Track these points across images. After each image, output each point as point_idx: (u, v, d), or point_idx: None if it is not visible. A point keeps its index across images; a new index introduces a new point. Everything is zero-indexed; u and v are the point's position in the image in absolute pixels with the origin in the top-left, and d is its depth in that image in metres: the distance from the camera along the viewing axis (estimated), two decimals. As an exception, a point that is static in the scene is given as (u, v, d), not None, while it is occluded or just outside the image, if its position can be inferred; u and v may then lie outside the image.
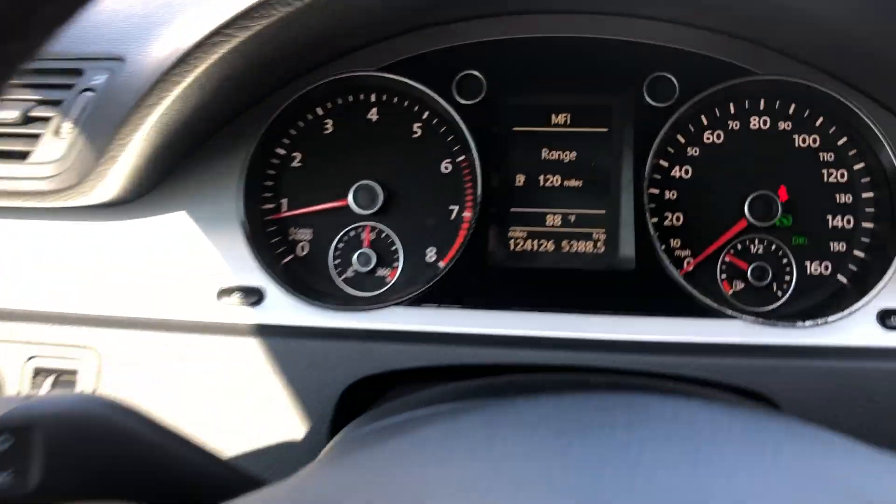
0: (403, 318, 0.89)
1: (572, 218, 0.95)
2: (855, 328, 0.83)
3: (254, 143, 0.95)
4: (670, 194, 0.95)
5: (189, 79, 0.78)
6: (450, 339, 0.85)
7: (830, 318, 0.84)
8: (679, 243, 0.95)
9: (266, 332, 0.87)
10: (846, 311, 0.84)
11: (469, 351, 0.84)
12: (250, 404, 0.85)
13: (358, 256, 0.96)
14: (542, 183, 0.96)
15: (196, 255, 0.92)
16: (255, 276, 0.91)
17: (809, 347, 0.82)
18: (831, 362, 0.80)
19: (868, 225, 0.92)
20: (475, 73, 0.95)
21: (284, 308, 0.90)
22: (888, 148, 0.89)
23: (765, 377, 0.79)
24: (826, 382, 0.79)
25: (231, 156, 0.96)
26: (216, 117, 0.91)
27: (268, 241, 0.97)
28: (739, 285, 0.94)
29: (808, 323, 0.84)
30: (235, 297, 0.89)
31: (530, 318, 0.88)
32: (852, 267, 0.91)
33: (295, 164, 0.99)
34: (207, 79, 0.79)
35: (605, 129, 0.96)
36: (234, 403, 0.85)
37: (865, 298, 0.84)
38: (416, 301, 0.90)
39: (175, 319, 0.89)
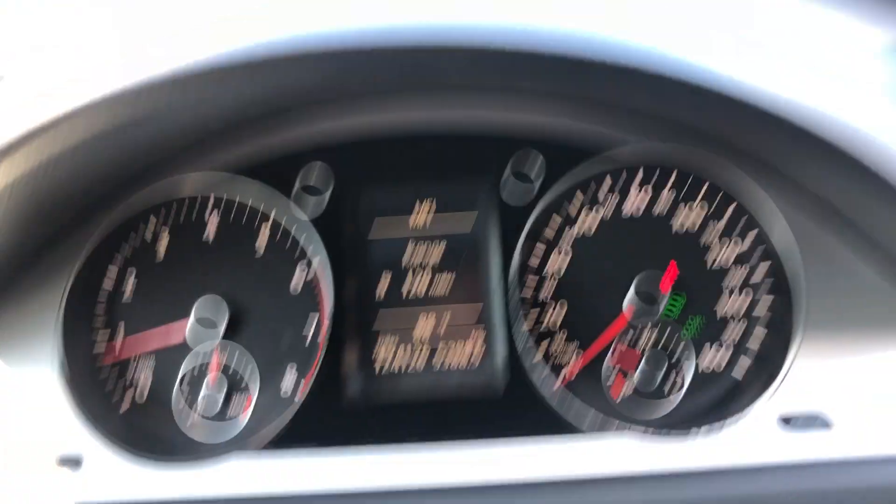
0: (249, 472, 0.77)
1: (442, 330, 0.85)
2: (752, 436, 0.73)
3: (75, 269, 0.83)
4: (548, 292, 0.86)
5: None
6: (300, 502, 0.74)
7: (724, 425, 0.74)
8: (559, 348, 0.85)
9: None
10: (740, 417, 0.74)
11: None
12: None
13: (205, 396, 0.85)
14: (406, 293, 0.85)
15: (9, 420, 0.80)
16: (75, 438, 0.79)
17: (704, 470, 0.72)
18: (726, 489, 0.70)
19: (766, 302, 0.83)
20: (322, 170, 0.85)
21: (107, 475, 0.77)
22: (777, 221, 0.80)
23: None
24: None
25: (47, 289, 0.84)
26: (22, 248, 0.79)
27: (97, 390, 0.85)
28: (628, 389, 0.84)
29: (700, 432, 0.74)
30: (51, 466, 0.77)
31: (394, 457, 0.77)
32: (748, 360, 0.82)
33: (126, 295, 0.87)
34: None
35: (471, 228, 0.86)
36: None
37: (763, 399, 0.74)
38: (268, 446, 0.79)
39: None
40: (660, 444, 0.75)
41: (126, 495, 0.76)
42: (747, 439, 0.74)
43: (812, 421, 0.73)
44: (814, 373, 0.76)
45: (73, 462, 0.77)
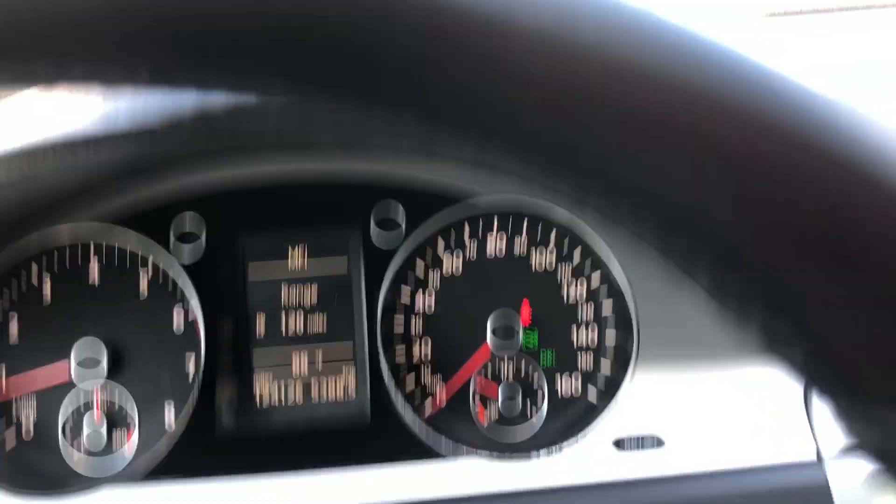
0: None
1: (319, 367, 0.90)
2: (590, 459, 0.81)
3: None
4: (416, 328, 0.92)
5: None
6: None
7: (564, 445, 0.82)
8: (429, 379, 0.92)
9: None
10: (577, 438, 0.82)
11: None
12: None
13: (89, 434, 0.88)
14: (283, 333, 0.91)
15: None
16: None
17: (551, 489, 0.80)
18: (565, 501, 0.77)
19: (611, 334, 0.91)
20: (194, 219, 0.90)
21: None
22: (616, 261, 0.89)
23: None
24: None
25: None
26: None
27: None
28: (493, 415, 0.91)
29: (542, 452, 0.82)
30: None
31: (266, 484, 0.83)
32: (600, 385, 0.90)
33: (11, 336, 0.91)
34: None
35: (343, 272, 0.92)
36: None
37: (601, 421, 0.82)
38: (146, 475, 0.83)
39: None
40: (507, 464, 0.82)
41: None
42: (584, 459, 0.82)
43: (644, 441, 0.81)
44: (649, 397, 0.85)
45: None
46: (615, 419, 0.84)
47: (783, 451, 0.80)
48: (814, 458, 0.79)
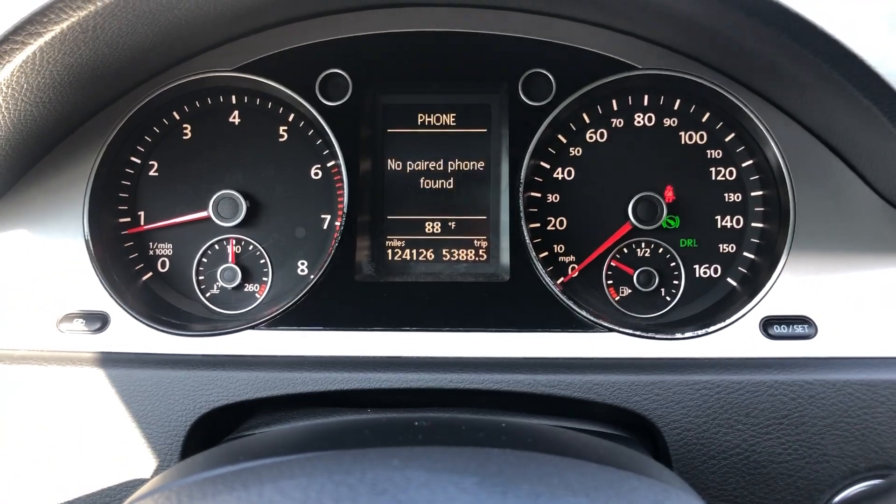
0: (261, 342, 0.82)
1: (452, 224, 0.89)
2: (737, 338, 0.79)
3: (100, 152, 0.87)
4: (553, 197, 0.90)
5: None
6: (310, 365, 0.79)
7: (711, 329, 0.79)
8: (563, 248, 0.90)
9: (109, 362, 0.79)
10: (728, 321, 0.79)
11: (333, 376, 0.77)
12: (92, 441, 0.77)
13: (222, 272, 0.89)
14: (419, 187, 0.89)
15: (37, 278, 0.84)
16: (100, 300, 0.83)
17: (688, 360, 0.78)
18: (710, 376, 0.75)
19: (757, 225, 0.88)
20: (340, 71, 0.88)
21: (130, 334, 0.83)
22: (774, 145, 0.84)
23: (642, 395, 0.74)
24: (705, 398, 0.74)
25: (79, 167, 0.88)
26: (51, 127, 0.83)
27: (123, 259, 0.90)
28: (626, 291, 0.89)
29: (687, 334, 0.79)
30: (77, 324, 0.82)
31: (400, 337, 0.82)
32: (742, 269, 0.87)
33: (151, 173, 0.92)
34: (21, 89, 0.71)
35: (484, 130, 0.90)
36: (74, 440, 0.77)
37: (749, 305, 0.79)
38: (281, 320, 0.84)
39: (8, 350, 0.81)
40: (648, 341, 0.80)
41: (147, 349, 0.81)
42: (731, 342, 0.79)
43: (794, 327, 0.78)
44: (799, 285, 0.81)
45: (100, 320, 0.82)
46: (765, 304, 0.80)
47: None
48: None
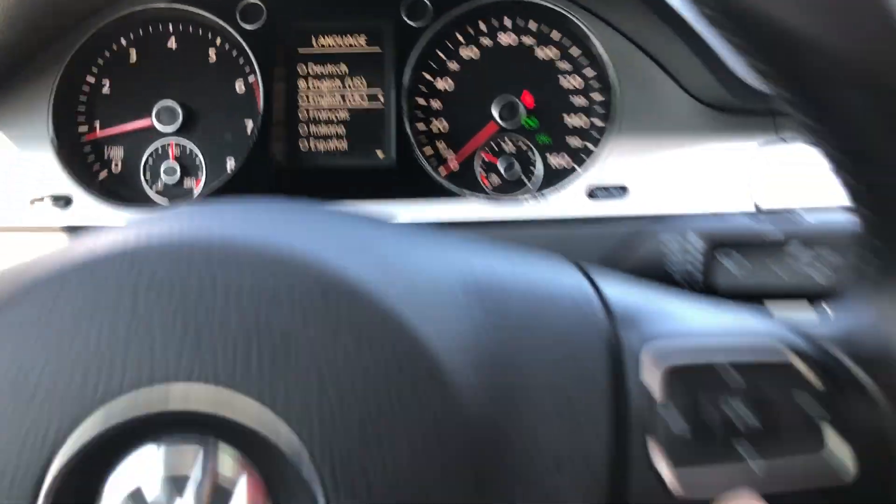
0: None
1: (352, 123, 1.10)
2: (568, 202, 1.01)
3: (60, 71, 1.07)
4: (436, 104, 1.11)
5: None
6: None
7: (547, 193, 1.01)
8: (445, 145, 1.11)
9: (74, 231, 0.99)
10: (556, 188, 1.01)
11: None
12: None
13: (165, 170, 1.09)
14: (322, 95, 1.10)
15: (12, 174, 1.04)
16: (65, 187, 1.03)
17: (530, 220, 0.99)
18: (547, 230, 0.97)
19: (598, 123, 1.09)
20: (257, 1, 1.08)
21: (92, 211, 1.03)
22: (609, 59, 1.06)
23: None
24: (545, 247, 0.95)
25: (41, 83, 1.07)
26: (20, 49, 1.02)
27: (84, 160, 1.09)
28: (496, 179, 1.10)
29: (528, 197, 1.01)
30: (47, 202, 1.01)
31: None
32: (583, 157, 1.09)
33: (104, 91, 1.11)
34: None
35: (377, 49, 1.10)
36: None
37: (579, 177, 1.01)
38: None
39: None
40: (502, 205, 1.02)
41: (107, 223, 1.01)
42: (564, 204, 1.01)
43: (612, 191, 1.00)
44: (619, 164, 1.03)
45: (64, 200, 1.02)
46: (590, 177, 1.02)
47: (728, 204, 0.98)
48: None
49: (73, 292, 0.40)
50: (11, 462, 0.38)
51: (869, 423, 0.43)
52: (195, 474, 0.39)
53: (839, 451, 0.43)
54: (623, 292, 0.48)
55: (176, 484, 0.39)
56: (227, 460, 0.40)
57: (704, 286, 0.80)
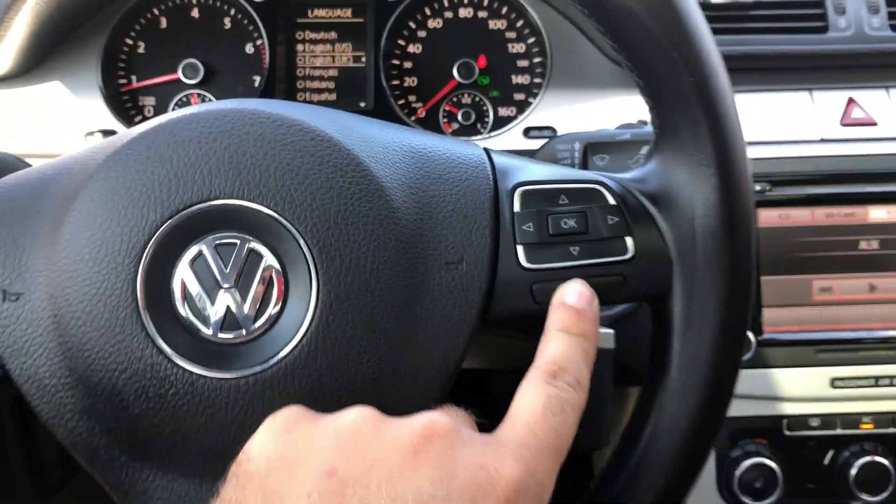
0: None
1: (340, 78, 1.37)
2: (508, 140, 1.28)
3: (106, 34, 1.34)
4: (407, 64, 1.38)
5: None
6: None
7: (492, 134, 1.29)
8: (415, 98, 1.38)
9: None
10: (501, 130, 1.29)
11: None
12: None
13: (189, 114, 1.36)
14: (317, 56, 1.37)
15: (69, 114, 1.31)
16: (111, 124, 1.30)
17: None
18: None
19: (538, 81, 1.37)
20: (259, -17, 1.35)
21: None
22: (544, 29, 1.34)
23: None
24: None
25: (92, 43, 1.34)
26: (76, 14, 1.29)
27: (123, 105, 1.36)
28: (455, 125, 1.38)
29: (476, 138, 1.29)
30: (97, 136, 1.28)
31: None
32: (525, 108, 1.37)
33: (139, 51, 1.38)
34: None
35: (361, 20, 1.38)
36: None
37: (517, 122, 1.29)
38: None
39: (50, 153, 1.28)
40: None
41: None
42: (506, 140, 1.29)
43: (543, 131, 1.28)
44: (552, 111, 1.31)
45: (111, 133, 1.29)
46: (527, 121, 1.30)
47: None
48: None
49: (161, 139, 0.68)
50: (125, 240, 0.65)
51: (651, 234, 0.69)
52: (237, 247, 0.67)
53: (632, 250, 0.69)
54: (505, 158, 0.75)
55: (224, 253, 0.66)
56: (256, 243, 0.67)
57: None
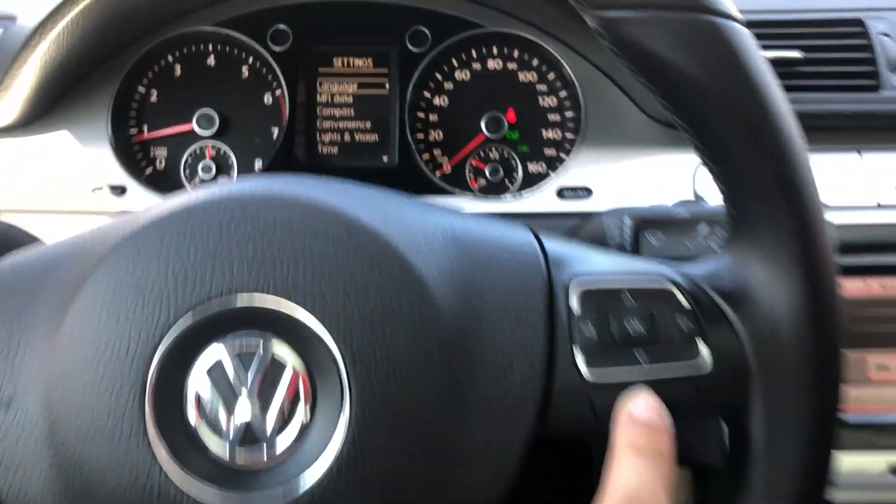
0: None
1: (364, 134, 1.30)
2: (541, 200, 1.21)
3: (118, 82, 1.27)
4: (432, 117, 1.31)
5: (57, 28, 1.10)
6: None
7: (523, 193, 1.21)
8: (440, 153, 1.31)
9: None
10: (533, 189, 1.21)
11: None
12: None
13: (202, 167, 1.30)
14: (340, 109, 1.30)
15: (75, 166, 1.24)
16: (120, 178, 1.23)
17: (511, 214, 1.19)
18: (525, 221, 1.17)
19: (570, 136, 1.30)
20: (284, 27, 1.29)
21: (144, 198, 1.23)
22: (577, 82, 1.27)
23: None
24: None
25: (102, 91, 1.27)
26: (86, 61, 1.23)
27: (134, 157, 1.30)
28: (482, 182, 1.30)
29: (507, 196, 1.22)
30: (105, 190, 1.21)
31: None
32: (557, 164, 1.29)
33: (152, 100, 1.32)
34: (72, 30, 1.11)
35: (385, 70, 1.31)
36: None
37: (551, 181, 1.22)
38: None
39: (55, 209, 1.21)
40: (486, 202, 1.22)
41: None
42: (537, 201, 1.21)
43: (577, 192, 1.20)
44: (585, 171, 1.23)
45: (120, 189, 1.22)
46: (560, 180, 1.22)
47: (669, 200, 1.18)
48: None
49: (178, 226, 0.60)
50: (133, 340, 0.57)
51: (727, 339, 0.62)
52: (259, 352, 0.59)
53: (707, 356, 0.62)
54: (558, 245, 0.68)
55: (245, 358, 0.59)
56: (281, 345, 0.59)
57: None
